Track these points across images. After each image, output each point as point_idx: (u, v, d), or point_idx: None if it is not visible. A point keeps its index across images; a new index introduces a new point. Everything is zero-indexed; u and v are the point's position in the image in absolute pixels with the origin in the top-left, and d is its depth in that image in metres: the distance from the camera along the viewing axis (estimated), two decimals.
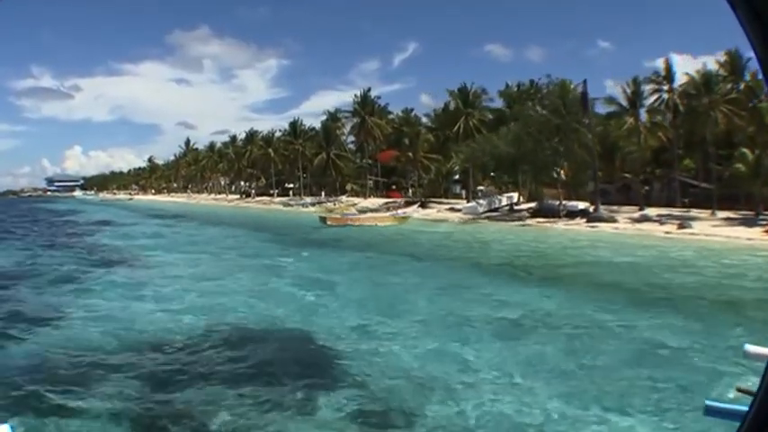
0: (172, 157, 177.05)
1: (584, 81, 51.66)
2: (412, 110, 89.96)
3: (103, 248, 32.67)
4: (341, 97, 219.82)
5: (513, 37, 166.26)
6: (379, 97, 79.79)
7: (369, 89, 79.90)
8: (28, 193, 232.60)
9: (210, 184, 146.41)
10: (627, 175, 58.85)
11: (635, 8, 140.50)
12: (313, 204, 74.72)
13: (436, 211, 58.06)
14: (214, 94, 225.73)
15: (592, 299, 17.35)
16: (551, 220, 50.19)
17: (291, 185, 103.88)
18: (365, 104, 77.62)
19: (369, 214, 48.18)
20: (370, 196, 76.86)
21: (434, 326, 14.47)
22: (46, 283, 21.65)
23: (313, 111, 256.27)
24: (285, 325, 14.89)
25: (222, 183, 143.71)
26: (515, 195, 60.25)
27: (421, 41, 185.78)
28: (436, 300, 17.60)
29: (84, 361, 11.59)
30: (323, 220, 44.92)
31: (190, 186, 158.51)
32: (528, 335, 13.49)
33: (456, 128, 63.45)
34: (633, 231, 43.31)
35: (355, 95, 78.98)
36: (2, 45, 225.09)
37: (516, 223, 49.28)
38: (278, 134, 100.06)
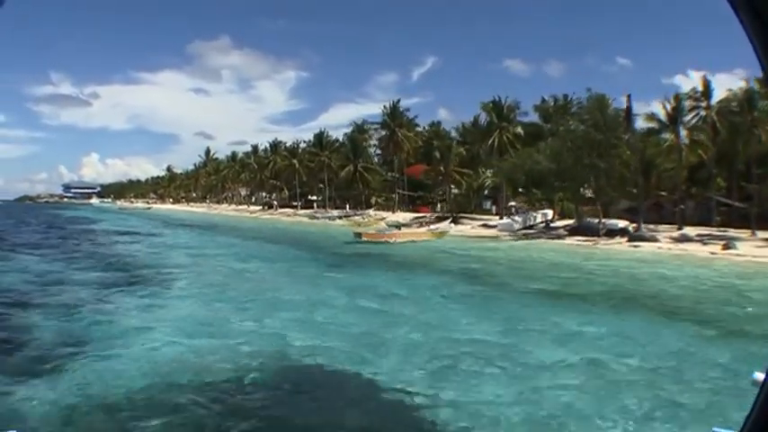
0: (189, 167, 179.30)
1: (629, 96, 51.14)
2: (439, 123, 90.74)
3: (158, 264, 30.57)
4: (359, 110, 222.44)
5: (533, 53, 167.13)
6: (407, 109, 79.52)
7: (398, 100, 79.51)
8: (44, 199, 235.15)
9: (229, 195, 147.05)
10: (663, 193, 58.11)
11: (653, 25, 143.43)
12: (340, 218, 74.39)
13: (470, 228, 57.44)
14: (232, 105, 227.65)
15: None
16: (591, 239, 49.48)
17: (314, 198, 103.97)
18: (395, 116, 77.17)
19: (405, 230, 47.56)
20: (397, 210, 76.39)
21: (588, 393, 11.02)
22: (98, 299, 20.79)
23: (331, 123, 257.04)
24: (350, 366, 12.87)
25: (242, 193, 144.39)
26: (550, 212, 59.64)
27: (440, 56, 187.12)
28: (550, 344, 14.54)
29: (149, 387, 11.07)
30: (357, 235, 44.32)
31: (208, 196, 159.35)
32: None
33: (491, 142, 62.91)
34: (678, 251, 42.33)
35: (384, 107, 78.89)
36: (21, 51, 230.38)
37: (556, 241, 48.55)
38: (302, 145, 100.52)
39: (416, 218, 67.84)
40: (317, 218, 79.02)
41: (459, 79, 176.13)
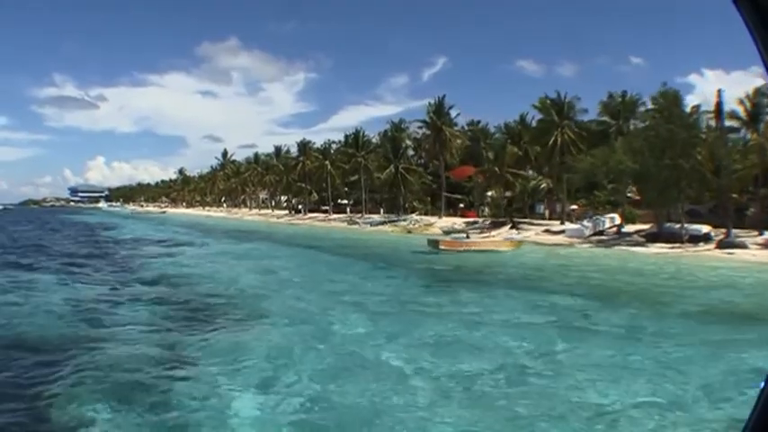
0: (197, 170, 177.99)
1: (719, 91, 48.58)
2: (478, 122, 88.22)
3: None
4: (369, 112, 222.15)
5: (545, 53, 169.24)
6: (452, 106, 76.70)
7: (443, 96, 76.23)
8: (50, 203, 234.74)
9: (246, 199, 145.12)
10: (735, 195, 55.63)
11: (666, 25, 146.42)
12: (383, 223, 71.82)
13: (534, 234, 54.96)
14: (240, 107, 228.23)
15: None
16: (674, 246, 46.92)
17: (345, 201, 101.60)
18: (440, 113, 74.50)
19: (482, 238, 44.97)
20: (442, 215, 73.93)
21: None
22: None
23: (341, 125, 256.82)
24: None
25: (260, 197, 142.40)
26: (617, 217, 57.14)
27: (450, 56, 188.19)
28: None
29: None
30: (434, 244, 41.60)
31: (224, 200, 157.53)
32: None
33: (552, 141, 60.36)
34: None
35: (429, 103, 75.95)
36: (24, 53, 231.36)
37: (640, 249, 45.89)
38: (334, 146, 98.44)
39: (469, 223, 65.37)
40: (357, 223, 76.55)
41: (470, 80, 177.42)
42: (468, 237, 46.37)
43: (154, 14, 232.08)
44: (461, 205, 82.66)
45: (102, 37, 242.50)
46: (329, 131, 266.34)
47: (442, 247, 40.38)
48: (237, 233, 65.74)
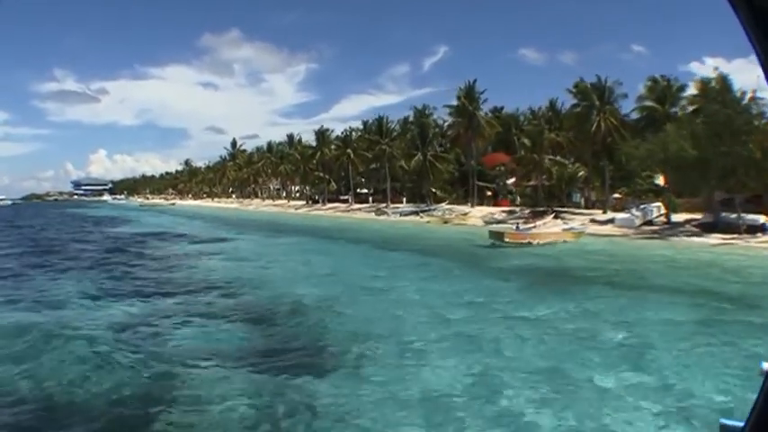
0: (204, 161, 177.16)
1: None
2: (502, 108, 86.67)
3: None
4: (370, 101, 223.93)
5: (546, 41, 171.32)
6: (483, 91, 74.85)
7: (474, 80, 73.88)
8: (53, 197, 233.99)
9: (258, 189, 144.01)
10: None
11: (668, 13, 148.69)
12: (416, 213, 70.56)
13: (579, 224, 53.76)
14: (242, 99, 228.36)
15: None
16: (732, 236, 45.80)
17: (365, 191, 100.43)
18: (472, 99, 72.93)
19: (544, 229, 43.69)
20: (474, 204, 72.73)
21: None
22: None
23: (343, 115, 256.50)
24: None
25: (271, 187, 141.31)
26: (661, 206, 56.00)
27: (451, 45, 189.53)
28: None
29: None
30: (497, 236, 39.98)
31: (232, 191, 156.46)
32: None
33: (594, 127, 58.98)
34: None
35: (460, 88, 73.68)
36: (24, 47, 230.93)
37: (700, 239, 44.82)
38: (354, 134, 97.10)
39: (506, 212, 64.31)
40: (386, 213, 75.35)
41: (471, 69, 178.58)
42: (518, 228, 45.29)
43: (155, 7, 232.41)
44: (489, 193, 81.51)
45: (103, 30, 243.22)
46: (331, 121, 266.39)
47: (507, 240, 38.99)
48: (267, 226, 64.34)
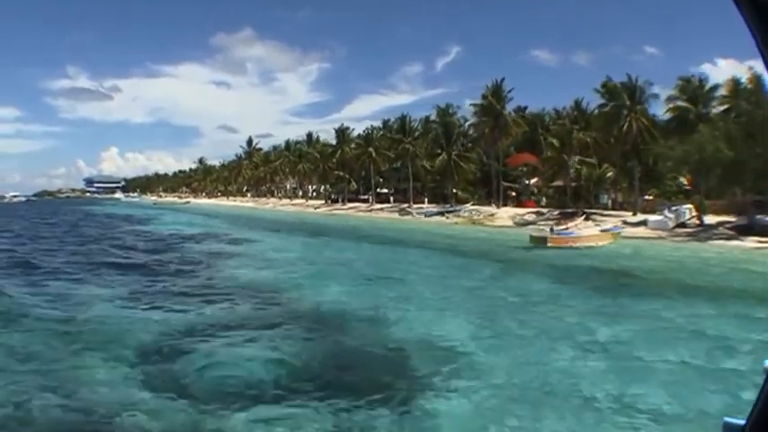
0: (219, 160, 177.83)
1: None
2: (525, 107, 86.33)
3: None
4: (382, 101, 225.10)
5: (559, 42, 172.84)
6: (511, 89, 74.47)
7: (502, 79, 73.39)
8: (65, 194, 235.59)
9: (272, 188, 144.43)
10: None
11: (680, 14, 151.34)
12: (442, 214, 70.53)
13: (612, 225, 53.60)
14: (254, 97, 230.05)
15: None
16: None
17: (385, 190, 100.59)
18: (499, 97, 72.73)
19: (586, 232, 43.62)
20: (500, 205, 72.75)
21: None
22: None
23: (355, 115, 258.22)
24: None
25: (288, 186, 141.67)
26: (692, 207, 55.85)
27: (464, 45, 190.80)
28: None
29: None
30: (539, 240, 39.95)
31: (246, 189, 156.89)
32: None
33: (625, 127, 58.82)
34: None
35: (487, 86, 73.29)
36: (37, 44, 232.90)
37: (737, 243, 44.70)
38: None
39: (535, 213, 64.35)
40: (411, 213, 75.47)
41: (484, 69, 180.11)
42: (552, 230, 45.35)
43: (168, 5, 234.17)
44: (513, 194, 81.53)
45: (116, 28, 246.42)
46: (343, 121, 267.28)
47: (550, 243, 38.94)
48: (295, 226, 64.00)
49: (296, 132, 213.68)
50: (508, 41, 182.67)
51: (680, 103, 57.42)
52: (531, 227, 57.26)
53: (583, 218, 55.75)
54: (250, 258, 34.95)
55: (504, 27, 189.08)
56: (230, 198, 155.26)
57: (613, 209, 67.23)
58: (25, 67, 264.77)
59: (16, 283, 24.66)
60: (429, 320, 17.90)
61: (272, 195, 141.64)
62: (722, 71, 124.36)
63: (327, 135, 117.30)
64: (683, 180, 64.53)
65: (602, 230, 44.15)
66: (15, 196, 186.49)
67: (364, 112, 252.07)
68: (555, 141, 66.18)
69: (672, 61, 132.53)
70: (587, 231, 42.80)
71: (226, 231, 56.47)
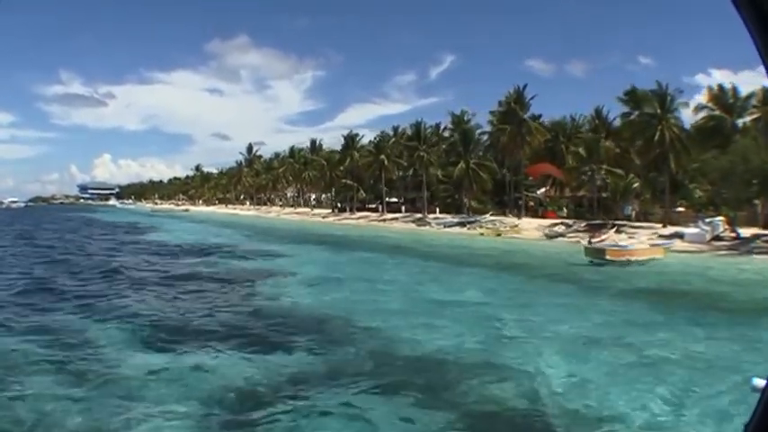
0: (217, 167, 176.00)
1: None
2: (540, 115, 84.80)
3: None
4: (376, 110, 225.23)
5: (554, 52, 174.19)
6: (533, 97, 72.32)
7: (525, 85, 71.73)
8: (59, 201, 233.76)
9: (273, 197, 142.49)
10: None
11: (675, 24, 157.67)
12: (463, 224, 68.76)
13: (647, 239, 52.16)
14: (248, 105, 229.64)
15: None
16: None
17: (396, 200, 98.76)
18: (521, 104, 70.99)
19: (639, 246, 41.85)
20: (522, 216, 71.16)
21: None
22: None
23: (348, 124, 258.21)
24: None
25: (288, 195, 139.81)
26: (724, 220, 54.45)
27: (458, 55, 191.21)
28: None
29: None
30: (596, 253, 38.01)
31: (244, 197, 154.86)
32: None
33: (657, 137, 57.27)
34: None
35: (508, 92, 71.54)
36: (30, 50, 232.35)
37: None
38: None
39: (563, 225, 62.77)
40: (429, 224, 73.70)
41: (478, 79, 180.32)
42: (590, 242, 43.88)
43: (162, 12, 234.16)
44: (531, 204, 79.97)
45: (110, 34, 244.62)
46: (336, 129, 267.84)
47: (608, 257, 36.91)
48: (316, 237, 61.39)
49: (289, 141, 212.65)
50: (503, 51, 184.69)
51: (717, 112, 56.01)
52: (561, 239, 56.03)
53: (614, 230, 54.28)
54: (298, 281, 30.25)
55: (499, 36, 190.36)
56: (229, 206, 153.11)
57: (637, 220, 65.79)
58: (19, 73, 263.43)
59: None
60: (576, 374, 14.19)
61: (273, 204, 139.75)
62: (716, 81, 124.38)
63: (324, 143, 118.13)
64: (700, 191, 63.00)
65: (652, 245, 42.46)
66: (14, 202, 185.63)
67: (357, 120, 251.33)
68: (581, 151, 64.63)
69: (666, 72, 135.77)
70: (640, 245, 41.10)
71: (247, 243, 54.13)
